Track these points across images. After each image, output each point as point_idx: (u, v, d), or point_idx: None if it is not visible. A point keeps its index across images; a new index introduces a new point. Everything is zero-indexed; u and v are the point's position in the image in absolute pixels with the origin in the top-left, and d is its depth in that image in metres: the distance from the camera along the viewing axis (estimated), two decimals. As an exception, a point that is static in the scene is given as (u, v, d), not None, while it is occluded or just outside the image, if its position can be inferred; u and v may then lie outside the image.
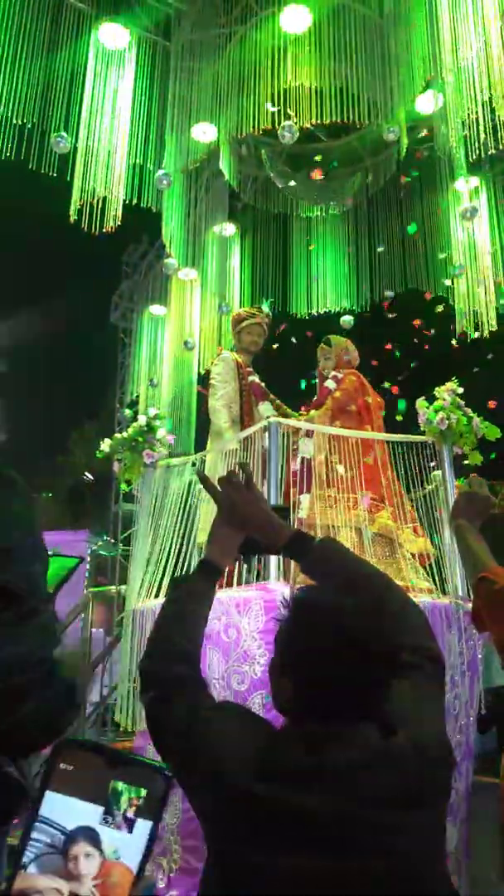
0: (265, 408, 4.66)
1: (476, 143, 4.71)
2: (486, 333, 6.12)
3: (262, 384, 4.90)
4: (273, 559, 3.36)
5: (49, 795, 0.66)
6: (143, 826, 0.65)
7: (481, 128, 4.59)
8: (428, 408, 4.06)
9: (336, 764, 1.03)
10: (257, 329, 4.98)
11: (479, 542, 1.57)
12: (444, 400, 4.06)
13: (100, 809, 0.65)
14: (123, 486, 4.53)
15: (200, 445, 5.33)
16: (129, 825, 0.65)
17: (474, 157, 4.84)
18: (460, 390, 4.12)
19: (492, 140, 4.59)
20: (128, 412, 4.32)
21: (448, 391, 4.10)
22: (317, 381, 4.97)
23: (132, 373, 9.53)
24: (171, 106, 5.66)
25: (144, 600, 3.91)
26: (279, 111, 5.19)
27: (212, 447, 4.62)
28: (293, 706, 1.16)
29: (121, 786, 0.66)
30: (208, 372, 5.78)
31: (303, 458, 4.03)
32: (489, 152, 4.71)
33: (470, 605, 1.98)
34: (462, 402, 4.07)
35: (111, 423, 10.71)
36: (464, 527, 1.61)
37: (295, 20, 5.12)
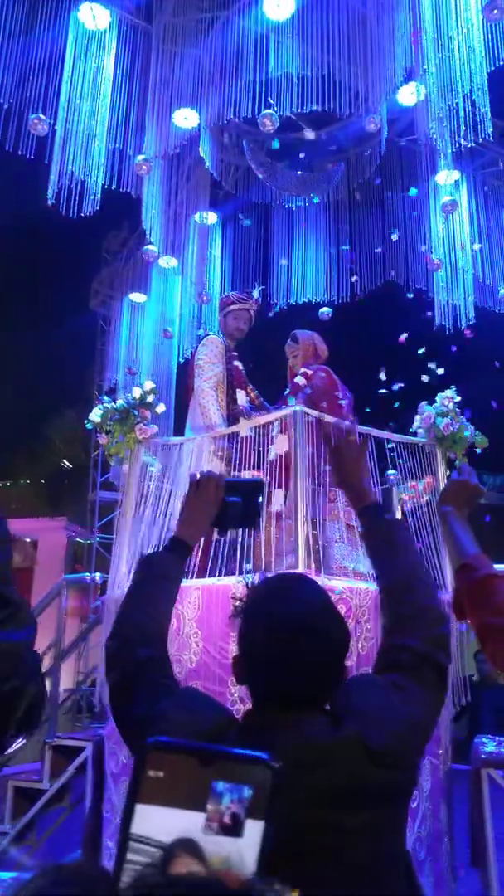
0: (240, 396, 4.65)
1: (456, 136, 4.73)
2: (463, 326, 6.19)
3: (243, 371, 4.88)
4: (301, 547, 3.37)
5: (140, 809, 0.59)
6: (254, 827, 0.57)
7: (461, 120, 4.60)
8: (433, 412, 4.15)
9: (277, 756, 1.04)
10: (244, 315, 4.93)
11: (465, 530, 1.57)
12: (446, 406, 4.15)
13: (201, 816, 0.58)
14: (112, 462, 4.42)
15: (179, 433, 5.29)
16: (237, 829, 0.57)
17: (453, 149, 4.85)
18: (458, 398, 4.21)
19: (471, 133, 4.60)
20: (106, 399, 4.30)
21: (448, 399, 4.19)
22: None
23: (111, 360, 9.48)
24: (151, 90, 5.59)
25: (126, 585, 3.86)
26: (260, 99, 5.16)
27: (190, 429, 4.59)
28: (248, 689, 1.17)
29: (221, 786, 0.59)
30: (187, 360, 5.73)
31: (277, 455, 4.02)
32: (469, 145, 4.72)
33: None
34: (459, 410, 4.18)
35: (89, 410, 10.63)
36: (451, 514, 1.61)
37: (278, 6, 5.08)
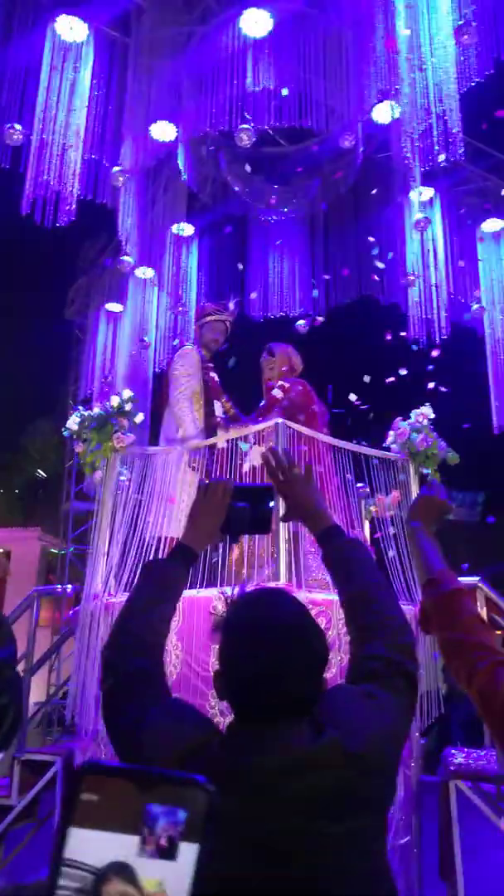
0: (217, 407, 4.66)
1: (429, 156, 4.81)
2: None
3: (219, 382, 4.89)
4: (283, 561, 3.38)
5: (74, 833, 0.58)
6: (188, 850, 0.58)
7: (435, 140, 4.68)
8: (408, 427, 4.21)
9: (260, 765, 1.04)
10: (221, 327, 4.94)
11: (433, 545, 1.59)
12: (420, 422, 4.22)
13: (135, 839, 0.58)
14: (87, 470, 4.38)
15: (154, 444, 5.28)
16: (172, 852, 0.57)
17: (427, 168, 4.94)
18: (432, 415, 4.29)
19: (444, 153, 4.68)
20: (81, 408, 4.26)
21: (422, 415, 4.26)
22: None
23: (86, 369, 9.41)
24: (129, 103, 5.61)
25: (105, 597, 3.81)
26: (237, 114, 5.20)
27: (164, 441, 4.58)
28: (229, 703, 1.18)
29: (156, 809, 0.58)
30: (163, 371, 5.72)
31: (252, 466, 4.04)
32: (442, 164, 4.81)
33: None
34: (432, 427, 4.25)
35: (64, 419, 10.53)
36: (419, 529, 1.62)
37: (255, 23, 5.14)
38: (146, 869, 0.57)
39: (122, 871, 0.57)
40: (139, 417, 4.31)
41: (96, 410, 4.23)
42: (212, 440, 4.27)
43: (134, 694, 1.21)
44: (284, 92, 5.14)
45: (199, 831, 0.58)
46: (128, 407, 4.24)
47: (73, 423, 4.24)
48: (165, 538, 4.02)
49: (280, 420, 3.81)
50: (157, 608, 1.37)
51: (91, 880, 0.57)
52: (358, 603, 1.38)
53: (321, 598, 3.32)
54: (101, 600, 3.76)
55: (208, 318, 4.97)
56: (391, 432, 4.46)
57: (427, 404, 4.44)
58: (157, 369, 7.41)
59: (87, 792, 0.60)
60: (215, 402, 4.74)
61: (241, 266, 7.27)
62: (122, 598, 3.59)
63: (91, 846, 0.58)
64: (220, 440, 4.20)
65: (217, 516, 1.50)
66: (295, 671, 1.12)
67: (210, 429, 4.58)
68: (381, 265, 6.44)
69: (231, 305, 5.32)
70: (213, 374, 4.86)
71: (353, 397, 5.32)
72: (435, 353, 5.99)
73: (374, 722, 1.13)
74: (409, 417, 4.42)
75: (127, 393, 4.34)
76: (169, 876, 0.57)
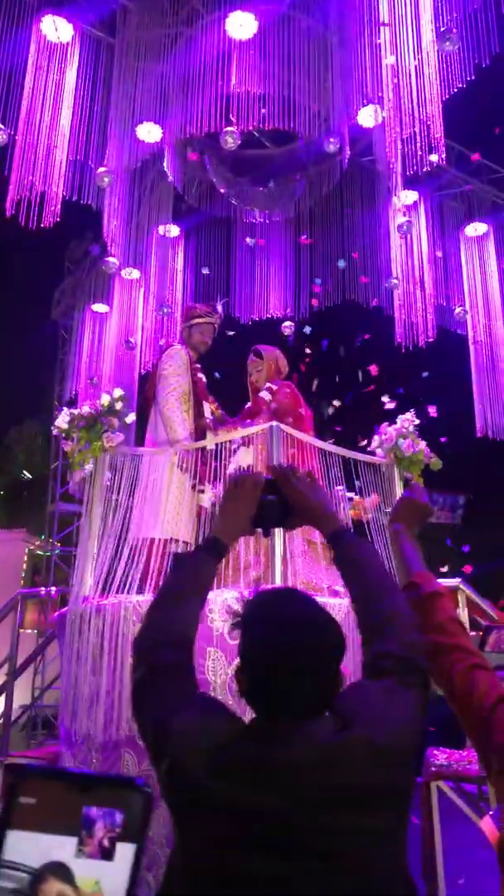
0: (206, 409, 4.64)
1: (413, 160, 4.85)
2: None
3: (206, 384, 4.88)
4: (278, 559, 3.37)
5: (11, 835, 0.60)
6: (126, 850, 0.59)
7: (417, 146, 4.72)
8: (394, 433, 4.24)
9: (287, 760, 1.06)
10: (209, 329, 4.91)
11: (414, 548, 1.59)
12: (406, 428, 4.25)
13: (73, 840, 0.59)
14: (75, 467, 4.34)
15: (139, 444, 5.27)
16: (109, 852, 0.59)
17: (410, 173, 4.98)
18: (417, 421, 4.33)
19: (427, 157, 4.73)
20: (65, 408, 4.23)
21: (408, 420, 4.29)
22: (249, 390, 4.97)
23: (72, 370, 9.39)
24: (114, 104, 5.60)
25: (95, 598, 3.76)
26: (222, 116, 5.21)
27: (153, 442, 4.56)
28: (250, 700, 1.19)
29: (94, 811, 0.60)
30: (148, 372, 5.71)
31: (239, 467, 4.03)
32: (424, 168, 4.85)
33: None
34: (417, 433, 4.30)
35: (49, 420, 10.46)
36: (401, 532, 1.63)
37: (240, 26, 5.16)
38: (83, 869, 0.59)
39: (58, 870, 0.58)
40: (130, 417, 4.28)
41: (86, 409, 4.19)
42: (203, 443, 4.25)
43: (165, 687, 1.22)
44: (263, 111, 5.15)
45: (136, 832, 0.60)
46: (118, 406, 4.20)
47: (62, 420, 4.19)
48: (151, 539, 4.00)
49: (274, 423, 3.80)
50: (187, 601, 1.38)
51: (28, 880, 0.58)
52: (368, 602, 1.39)
53: (320, 602, 3.31)
54: (93, 602, 3.72)
55: (197, 320, 4.94)
56: (376, 437, 4.47)
57: (411, 410, 4.47)
58: (142, 370, 7.40)
59: (24, 795, 0.61)
60: (204, 403, 4.72)
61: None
62: (115, 600, 3.55)
63: (29, 848, 0.59)
64: (211, 443, 4.19)
65: (247, 509, 1.50)
66: (314, 665, 1.14)
67: (199, 430, 4.56)
68: (342, 263, 6.50)
69: (219, 307, 5.30)
70: (201, 376, 4.84)
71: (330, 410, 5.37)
72: (373, 371, 6.04)
73: (395, 716, 1.14)
74: (395, 423, 4.44)
75: (118, 392, 4.29)
76: (105, 876, 0.58)
